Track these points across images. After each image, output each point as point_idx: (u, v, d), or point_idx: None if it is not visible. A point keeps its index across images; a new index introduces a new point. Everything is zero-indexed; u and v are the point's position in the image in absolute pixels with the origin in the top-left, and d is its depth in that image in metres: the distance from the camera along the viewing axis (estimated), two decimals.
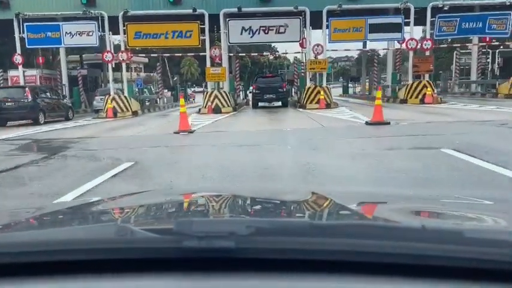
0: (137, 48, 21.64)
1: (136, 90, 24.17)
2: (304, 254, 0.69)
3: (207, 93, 19.07)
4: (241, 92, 28.61)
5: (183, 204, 1.32)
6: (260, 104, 20.53)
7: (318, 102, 18.09)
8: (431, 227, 0.89)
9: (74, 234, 0.87)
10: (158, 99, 26.09)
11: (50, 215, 1.19)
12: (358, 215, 1.13)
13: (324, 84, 19.28)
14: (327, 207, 1.21)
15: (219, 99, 18.52)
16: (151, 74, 35.96)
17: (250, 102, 22.80)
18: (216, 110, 17.97)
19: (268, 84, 20.38)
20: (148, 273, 0.69)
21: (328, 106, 17.82)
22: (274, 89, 20.09)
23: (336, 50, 20.28)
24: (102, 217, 1.20)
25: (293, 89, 26.59)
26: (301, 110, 17.91)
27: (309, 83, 19.37)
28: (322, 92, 17.90)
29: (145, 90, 27.12)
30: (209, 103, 18.12)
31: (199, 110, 18.72)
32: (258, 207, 1.24)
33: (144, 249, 0.72)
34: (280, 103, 20.75)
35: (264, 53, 43.92)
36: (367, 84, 32.20)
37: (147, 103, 24.68)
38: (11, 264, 0.72)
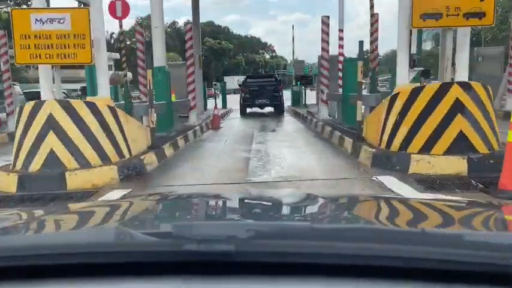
0: None
1: None
2: (304, 257, 0.70)
3: (20, 113, 5.07)
4: (209, 100, 15.06)
5: (182, 208, 1.33)
6: (249, 110, 16.86)
7: (461, 149, 4.32)
8: (431, 230, 0.90)
9: (73, 237, 0.87)
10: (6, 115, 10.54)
11: (49, 219, 1.19)
12: (358, 218, 1.13)
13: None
14: (326, 210, 1.21)
15: (59, 144, 4.61)
16: (119, 73, 22.04)
17: (238, 110, 17.17)
18: (32, 187, 4.18)
19: (260, 86, 16.36)
20: (148, 277, 0.69)
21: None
22: (268, 93, 16.08)
23: None
24: (102, 220, 1.20)
25: (320, 92, 11.98)
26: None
27: (406, 74, 5.45)
28: None
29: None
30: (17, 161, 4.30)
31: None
32: (257, 210, 1.25)
33: (143, 253, 0.72)
34: (273, 109, 16.75)
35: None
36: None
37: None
38: (10, 268, 0.72)
